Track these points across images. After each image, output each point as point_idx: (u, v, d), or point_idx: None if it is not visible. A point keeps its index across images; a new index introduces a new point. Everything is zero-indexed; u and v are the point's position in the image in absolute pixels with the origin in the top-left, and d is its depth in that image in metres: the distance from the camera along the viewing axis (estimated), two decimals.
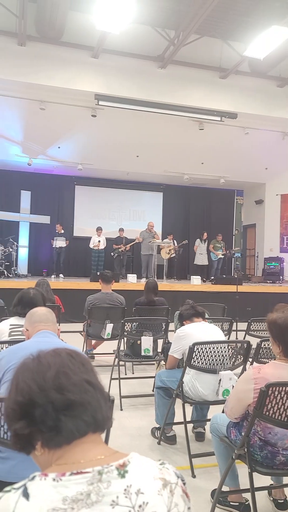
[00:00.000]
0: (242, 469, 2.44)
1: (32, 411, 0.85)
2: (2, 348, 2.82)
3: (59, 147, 11.78)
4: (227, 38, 9.29)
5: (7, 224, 13.40)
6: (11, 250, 11.50)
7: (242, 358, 3.24)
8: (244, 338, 5.10)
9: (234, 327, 5.49)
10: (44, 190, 14.13)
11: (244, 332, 5.12)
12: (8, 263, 11.37)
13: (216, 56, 9.48)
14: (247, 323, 5.08)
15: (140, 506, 0.79)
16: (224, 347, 3.09)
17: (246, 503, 2.46)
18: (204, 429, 3.52)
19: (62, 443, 0.85)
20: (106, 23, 7.07)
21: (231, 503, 2.48)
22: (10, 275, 11.09)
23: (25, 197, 13.60)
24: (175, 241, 12.63)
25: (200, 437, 3.50)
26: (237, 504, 2.47)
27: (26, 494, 0.77)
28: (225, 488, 2.43)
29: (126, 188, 14.93)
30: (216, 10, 7.96)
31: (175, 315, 4.60)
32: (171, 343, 4.63)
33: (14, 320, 2.95)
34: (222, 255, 12.91)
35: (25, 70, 8.49)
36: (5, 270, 10.90)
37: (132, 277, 10.56)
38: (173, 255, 12.28)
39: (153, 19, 8.72)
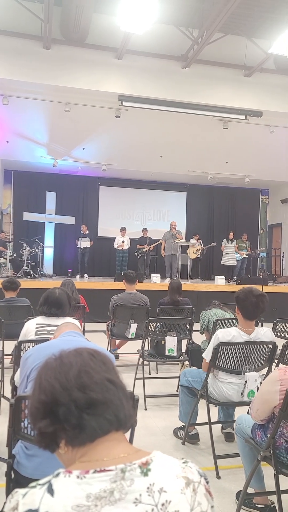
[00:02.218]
0: (267, 471, 2.41)
1: (56, 409, 0.86)
2: (29, 347, 2.88)
3: (83, 149, 11.90)
4: (252, 36, 9.18)
5: (33, 225, 13.64)
6: (37, 250, 11.69)
7: (267, 359, 3.19)
8: None
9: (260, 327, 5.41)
10: (68, 191, 14.32)
11: (271, 331, 5.04)
12: (34, 263, 11.55)
13: (241, 54, 9.38)
14: (272, 324, 5.01)
15: (163, 504, 0.79)
16: (250, 348, 3.05)
17: (272, 505, 2.43)
18: (233, 430, 3.49)
19: (86, 441, 0.86)
20: (130, 24, 7.09)
21: (256, 505, 2.45)
22: (36, 275, 11.27)
23: (51, 198, 13.80)
24: (201, 241, 12.55)
25: (229, 437, 3.46)
26: (263, 506, 2.44)
27: (51, 490, 0.78)
28: (250, 490, 2.40)
29: (150, 188, 14.96)
30: (240, 7, 7.88)
31: (201, 315, 4.59)
32: (195, 343, 4.64)
33: (40, 319, 2.99)
34: (247, 255, 12.77)
35: (50, 73, 8.62)
36: (31, 270, 11.08)
37: (156, 277, 10.55)
38: (199, 256, 12.23)
39: (177, 19, 8.70)
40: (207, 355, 3.04)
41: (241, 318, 2.99)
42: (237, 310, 3.01)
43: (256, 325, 3.15)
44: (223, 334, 2.98)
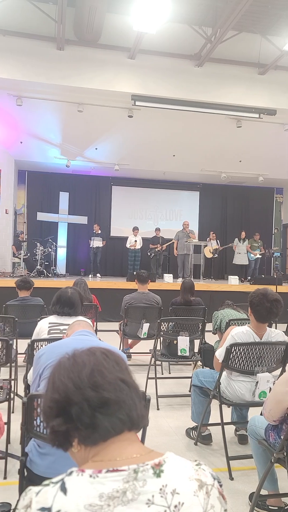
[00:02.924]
0: (281, 473, 2.39)
1: (69, 408, 0.86)
2: (42, 346, 2.90)
3: (96, 148, 11.94)
4: (266, 33, 9.09)
5: (47, 225, 13.77)
6: (50, 250, 11.78)
7: (281, 360, 3.16)
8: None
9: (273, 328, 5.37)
10: (81, 191, 14.39)
11: (283, 333, 4.99)
12: (47, 263, 11.66)
13: (255, 52, 9.30)
14: (286, 325, 4.97)
15: (175, 506, 0.78)
16: (263, 349, 3.02)
17: (285, 507, 2.41)
18: (247, 431, 3.46)
19: (98, 440, 0.86)
20: (143, 23, 7.09)
21: (269, 507, 2.43)
22: (49, 275, 11.35)
23: (64, 198, 13.90)
24: (218, 240, 12.49)
25: (243, 440, 3.42)
26: (276, 508, 2.41)
27: (64, 489, 0.78)
28: (263, 492, 2.38)
29: (163, 188, 14.94)
30: (254, 5, 7.81)
31: (213, 315, 4.56)
32: (208, 343, 4.62)
33: (53, 318, 3.01)
34: (260, 254, 12.67)
35: (64, 74, 8.65)
36: (44, 270, 11.18)
37: (168, 277, 10.54)
38: (216, 255, 12.19)
39: (190, 17, 8.66)
40: (220, 355, 3.02)
41: (253, 320, 2.98)
42: (250, 311, 2.99)
43: (270, 326, 3.13)
44: (238, 335, 2.97)
